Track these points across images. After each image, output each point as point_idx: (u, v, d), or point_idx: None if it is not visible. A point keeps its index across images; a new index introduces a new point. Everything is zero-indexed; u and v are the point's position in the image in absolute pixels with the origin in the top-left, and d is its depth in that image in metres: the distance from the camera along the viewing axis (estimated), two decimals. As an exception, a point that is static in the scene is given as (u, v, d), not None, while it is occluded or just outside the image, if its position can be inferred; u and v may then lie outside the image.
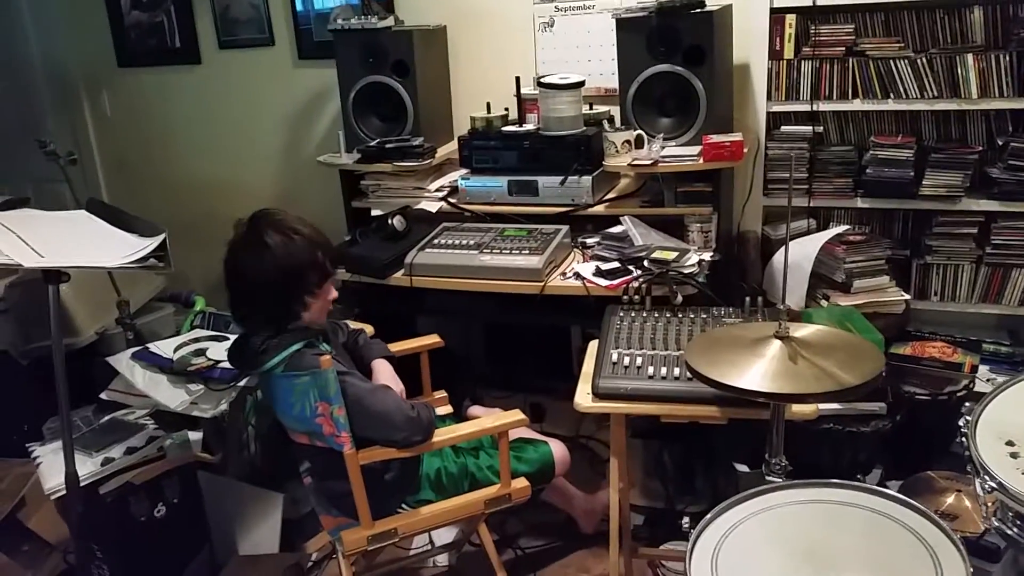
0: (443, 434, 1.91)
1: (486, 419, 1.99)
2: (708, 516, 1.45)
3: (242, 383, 2.20)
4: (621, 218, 2.61)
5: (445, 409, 2.45)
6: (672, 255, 2.37)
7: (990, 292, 2.85)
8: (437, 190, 2.97)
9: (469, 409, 2.46)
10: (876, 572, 1.27)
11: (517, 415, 1.99)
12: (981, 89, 2.65)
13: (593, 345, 2.24)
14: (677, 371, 1.97)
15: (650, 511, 2.65)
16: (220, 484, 2.27)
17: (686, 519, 2.68)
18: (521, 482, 2.04)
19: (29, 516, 2.28)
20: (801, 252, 2.58)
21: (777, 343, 1.67)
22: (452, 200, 2.94)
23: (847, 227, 2.62)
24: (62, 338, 1.67)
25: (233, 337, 2.37)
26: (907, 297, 2.52)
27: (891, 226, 3.00)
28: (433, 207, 2.93)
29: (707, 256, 2.47)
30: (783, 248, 2.71)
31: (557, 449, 2.21)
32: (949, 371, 2.38)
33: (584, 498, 2.56)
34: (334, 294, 1.98)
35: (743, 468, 2.56)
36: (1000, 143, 2.75)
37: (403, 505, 2.02)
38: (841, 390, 1.54)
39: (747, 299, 2.20)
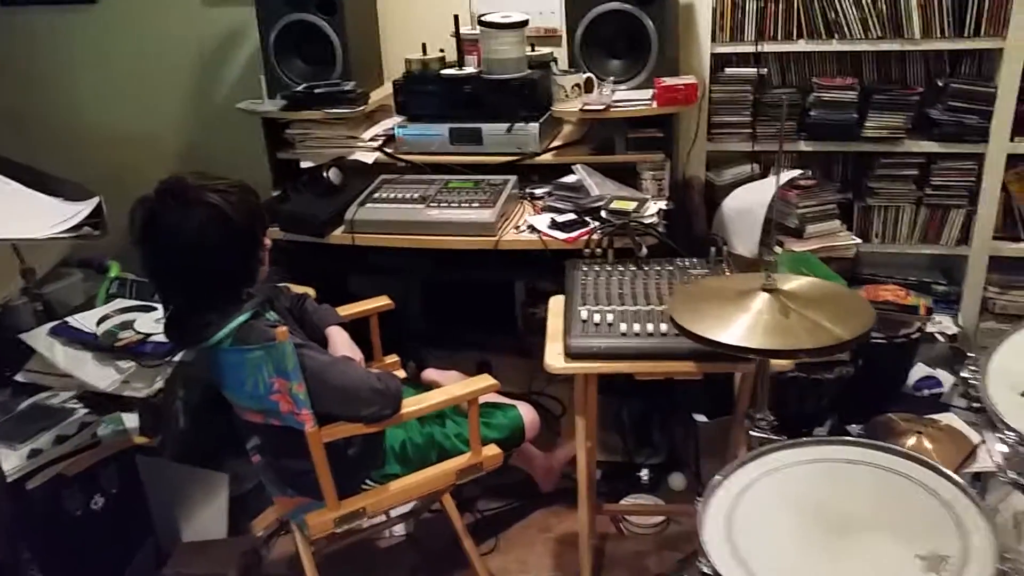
0: (411, 405, 1.78)
1: (455, 387, 1.87)
2: (715, 480, 1.38)
3: (177, 358, 2.00)
4: (573, 167, 2.50)
5: (399, 374, 2.32)
6: (631, 205, 2.28)
7: (929, 233, 2.90)
8: (372, 139, 2.78)
9: (424, 374, 2.34)
10: (894, 531, 1.23)
11: (487, 380, 1.88)
12: (923, 29, 2.64)
13: (556, 302, 2.14)
14: (651, 327, 1.89)
15: (608, 465, 2.61)
16: (160, 468, 2.07)
17: (644, 471, 2.67)
18: (492, 449, 1.95)
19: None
20: (754, 198, 2.54)
21: (764, 296, 1.61)
22: (388, 150, 2.76)
23: (800, 171, 2.59)
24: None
25: (161, 307, 2.17)
26: (858, 241, 2.52)
27: (831, 169, 3.00)
28: (369, 158, 2.74)
29: (662, 204, 2.39)
30: (732, 194, 2.68)
31: (526, 412, 2.12)
32: (905, 314, 2.39)
33: (543, 457, 2.49)
34: (268, 242, 1.81)
35: (702, 418, 2.54)
36: (940, 84, 2.76)
37: (368, 481, 1.89)
38: (835, 345, 1.49)
39: (712, 249, 2.14)
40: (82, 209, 1.49)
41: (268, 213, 2.47)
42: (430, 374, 2.32)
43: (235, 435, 2.05)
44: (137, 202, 1.66)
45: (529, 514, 2.56)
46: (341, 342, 1.96)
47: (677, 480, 2.62)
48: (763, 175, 2.94)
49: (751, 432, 1.71)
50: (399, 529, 2.48)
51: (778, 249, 2.49)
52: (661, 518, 2.47)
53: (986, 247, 2.83)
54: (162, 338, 2.01)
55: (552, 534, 2.48)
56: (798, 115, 2.84)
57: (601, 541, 2.44)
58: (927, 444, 2.20)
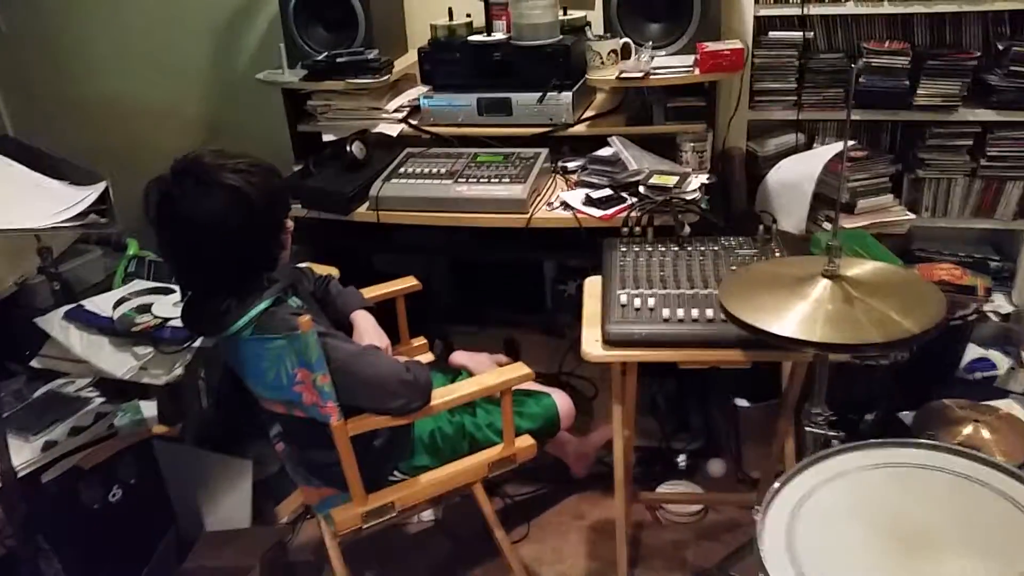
0: (442, 395, 1.68)
1: (487, 376, 1.76)
2: (772, 487, 1.27)
3: (197, 343, 1.91)
4: (609, 139, 2.37)
5: (426, 357, 2.24)
6: (672, 180, 2.15)
7: (983, 206, 2.74)
8: (396, 111, 2.67)
9: (452, 357, 2.24)
10: (977, 551, 1.12)
11: (521, 369, 1.78)
12: (982, -13, 2.47)
13: (591, 283, 2.03)
14: (695, 312, 1.78)
15: (643, 450, 2.51)
16: (181, 455, 2.00)
17: (682, 457, 2.57)
18: (525, 440, 1.85)
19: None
20: (802, 171, 2.40)
21: (825, 283, 1.49)
22: (413, 122, 2.64)
23: (852, 142, 2.44)
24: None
25: (177, 290, 2.08)
26: (912, 216, 2.37)
27: (879, 139, 2.83)
28: (393, 130, 2.63)
29: (704, 179, 2.26)
30: (778, 166, 2.54)
31: (561, 401, 2.02)
32: (963, 295, 2.26)
33: (576, 442, 2.40)
34: (290, 225, 1.70)
35: (743, 403, 2.43)
36: (1000, 47, 2.58)
37: (396, 472, 1.81)
38: (902, 339, 1.37)
39: (760, 227, 2.01)
40: (88, 195, 1.39)
41: (290, 189, 2.38)
42: (459, 358, 2.22)
43: (258, 418, 1.98)
44: (152, 182, 1.56)
45: (562, 500, 2.48)
46: (367, 328, 1.86)
47: (716, 466, 2.52)
48: (808, 145, 2.79)
49: (807, 428, 1.60)
50: (428, 515, 2.40)
51: (826, 225, 2.35)
52: (699, 507, 2.38)
53: (1045, 221, 2.67)
54: (181, 323, 1.92)
55: (586, 521, 2.40)
56: (845, 81, 2.67)
57: (637, 530, 2.35)
58: (985, 434, 2.08)
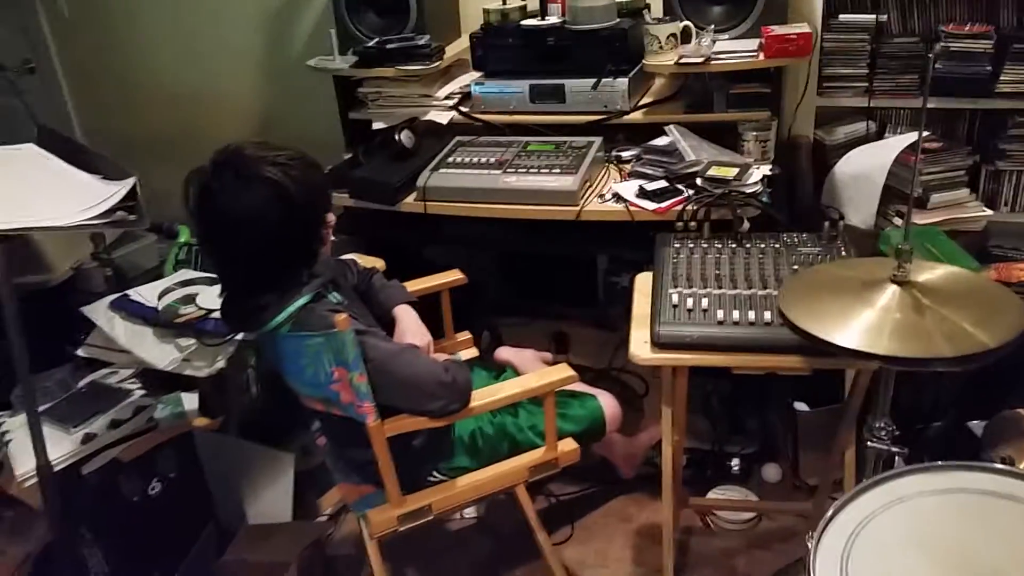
0: (482, 397, 1.62)
1: (530, 378, 1.70)
2: (827, 514, 1.18)
3: (239, 336, 1.89)
4: (666, 127, 2.26)
5: (470, 353, 2.18)
6: (732, 172, 2.04)
7: (1068, 202, 2.56)
8: (447, 98, 2.61)
9: (497, 352, 2.18)
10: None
11: (566, 371, 1.70)
12: (1079, -36, 2.28)
13: (642, 280, 1.94)
14: (752, 315, 1.68)
15: (695, 452, 2.42)
16: (222, 446, 1.99)
17: (735, 461, 2.47)
18: (569, 444, 1.78)
19: (9, 481, 2.00)
20: (871, 163, 2.26)
21: (894, 289, 1.38)
22: (464, 109, 2.57)
23: (926, 133, 2.29)
24: (16, 309, 1.36)
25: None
26: (989, 213, 2.22)
27: (956, 128, 2.65)
28: (443, 118, 2.57)
29: (766, 170, 2.14)
30: (847, 157, 2.40)
31: (607, 403, 1.95)
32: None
33: (624, 442, 2.32)
34: (332, 219, 1.66)
35: (802, 407, 2.31)
36: (1093, 30, 2.39)
37: (434, 473, 1.76)
38: (978, 354, 1.25)
39: (826, 223, 1.89)
40: (117, 191, 1.36)
41: (339, 178, 2.35)
42: (504, 353, 2.17)
43: (302, 411, 1.96)
44: (191, 173, 1.53)
45: (608, 501, 2.41)
46: (408, 325, 1.81)
47: (771, 472, 2.41)
48: (879, 134, 2.64)
49: (869, 443, 1.49)
50: (470, 512, 2.36)
51: (897, 220, 2.21)
52: (753, 514, 2.28)
53: None
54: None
55: (633, 524, 2.32)
56: (921, 67, 2.51)
57: (686, 536, 2.27)
58: (1067, 447, 1.92)
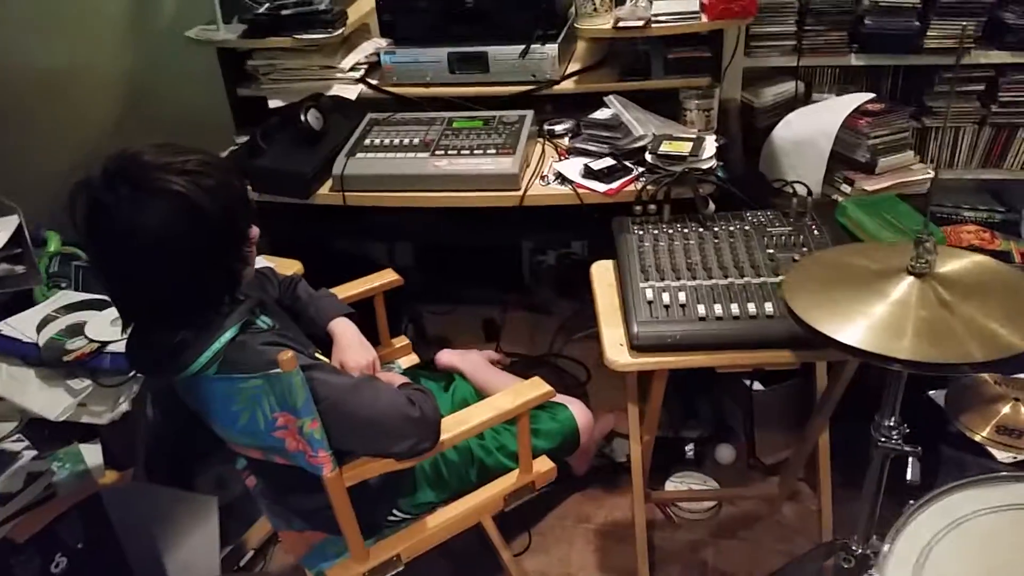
0: (451, 428, 1.40)
1: (501, 399, 1.48)
2: (884, 549, 1.05)
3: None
4: (605, 98, 2.08)
5: (410, 360, 1.96)
6: (686, 147, 1.88)
7: (991, 156, 2.57)
8: (352, 69, 2.32)
9: (438, 358, 1.97)
10: None
11: (541, 387, 1.51)
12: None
13: (601, 270, 1.77)
14: (735, 307, 1.54)
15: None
16: (132, 496, 1.67)
17: (690, 446, 2.37)
18: (544, 463, 1.60)
19: None
20: (815, 127, 2.15)
21: (910, 281, 1.26)
22: (373, 82, 2.30)
23: (869, 95, 2.20)
24: None
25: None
26: (932, 175, 2.16)
27: (880, 85, 2.61)
28: (351, 92, 2.28)
29: (713, 142, 2.00)
30: (786, 121, 2.28)
31: (579, 412, 1.77)
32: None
33: None
34: (255, 233, 1.36)
35: (757, 386, 2.22)
36: (1017, -19, 2.36)
37: (395, 512, 1.54)
38: (1010, 357, 1.14)
39: (794, 199, 1.77)
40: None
41: (238, 169, 2.03)
42: (447, 358, 1.96)
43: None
44: (77, 186, 1.21)
45: (562, 502, 2.25)
46: (350, 341, 1.57)
47: (725, 452, 2.32)
48: (807, 95, 2.55)
49: (879, 444, 1.38)
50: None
51: (846, 188, 2.12)
52: (714, 501, 2.18)
53: (1057, 170, 2.51)
54: (122, 347, 1.59)
55: (592, 524, 2.18)
56: (849, 24, 2.43)
57: (649, 531, 2.14)
58: (1026, 414, 1.91)
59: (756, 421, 2.25)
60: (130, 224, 1.18)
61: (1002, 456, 1.90)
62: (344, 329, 1.59)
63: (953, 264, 1.27)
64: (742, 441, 2.32)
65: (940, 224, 2.23)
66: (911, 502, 1.12)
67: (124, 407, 1.52)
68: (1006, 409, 1.93)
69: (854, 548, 1.50)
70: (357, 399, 1.30)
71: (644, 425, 1.80)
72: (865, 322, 1.22)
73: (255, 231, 1.33)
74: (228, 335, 1.27)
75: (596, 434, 2.25)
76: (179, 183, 1.18)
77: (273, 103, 2.29)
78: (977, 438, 1.85)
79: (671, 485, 2.23)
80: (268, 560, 2.09)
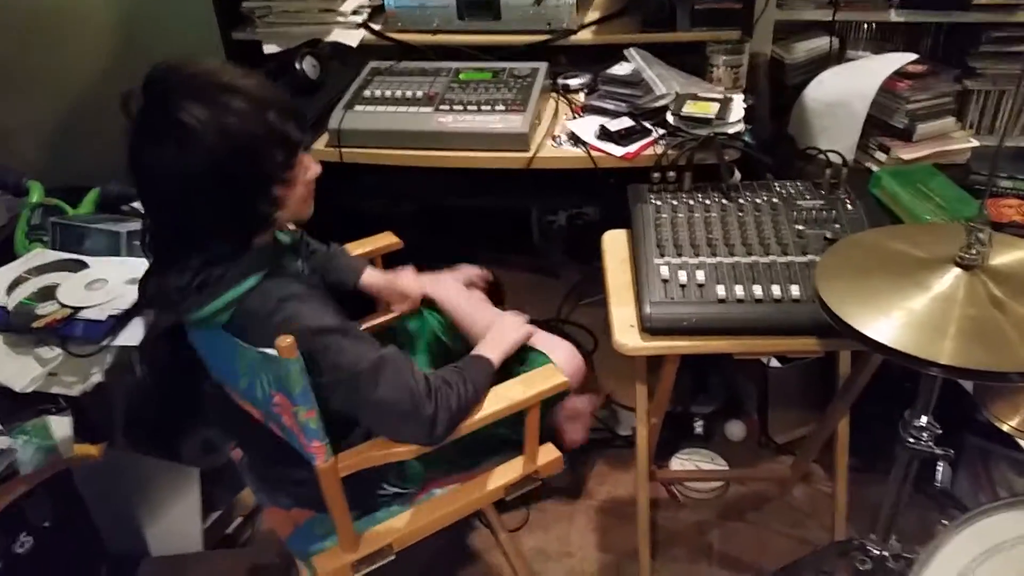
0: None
1: (512, 389, 1.35)
2: (915, 571, 0.95)
3: (121, 341, 1.48)
4: (626, 51, 1.92)
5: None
6: (712, 108, 1.73)
7: (1034, 122, 2.40)
8: (354, 13, 2.16)
9: (398, 280, 1.72)
10: None
11: (555, 377, 1.39)
12: None
13: (613, 240, 1.65)
14: (758, 289, 1.42)
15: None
16: (108, 467, 1.59)
17: (699, 421, 2.27)
18: (551, 452, 1.49)
19: None
20: (852, 88, 2.00)
21: (957, 274, 1.13)
22: (376, 27, 2.14)
23: (911, 55, 2.04)
24: None
25: (93, 263, 1.64)
26: (976, 144, 2.01)
27: (920, 44, 2.43)
28: (352, 39, 2.13)
29: (742, 103, 1.85)
30: (819, 80, 2.13)
31: (564, 358, 1.58)
32: (1039, 241, 1.92)
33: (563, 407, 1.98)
34: (315, 170, 1.29)
35: (774, 363, 2.11)
36: (1077, -67, 2.17)
37: (384, 486, 1.44)
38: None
39: (826, 169, 1.63)
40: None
41: (298, 121, 1.91)
42: (412, 283, 1.75)
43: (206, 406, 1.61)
44: (127, 93, 1.15)
45: (563, 476, 2.16)
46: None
47: (735, 429, 2.23)
48: (842, 52, 2.38)
49: (907, 443, 1.28)
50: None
51: (881, 156, 1.98)
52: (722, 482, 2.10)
53: (1104, 138, 2.34)
54: (98, 313, 1.49)
55: (594, 501, 2.10)
56: (891, -26, 2.25)
57: (653, 510, 2.05)
58: (1061, 404, 1.79)
59: (770, 399, 2.15)
60: (146, 145, 1.14)
61: (1033, 450, 1.80)
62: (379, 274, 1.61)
63: (1007, 256, 1.14)
64: (754, 418, 2.23)
65: (978, 196, 2.08)
66: (943, 523, 1.01)
67: (97, 378, 1.42)
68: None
69: (870, 548, 1.41)
70: (374, 377, 1.20)
71: (652, 407, 1.70)
72: (903, 318, 1.10)
73: (310, 168, 1.25)
74: (248, 283, 1.18)
75: (589, 404, 2.13)
76: (195, 117, 1.10)
77: (268, 48, 2.13)
78: (1005, 427, 1.74)
79: (677, 462, 2.14)
80: (256, 527, 2.02)
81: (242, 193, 1.18)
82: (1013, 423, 1.74)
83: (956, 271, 1.13)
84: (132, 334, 1.50)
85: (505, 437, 1.51)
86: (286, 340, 1.07)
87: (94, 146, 1.95)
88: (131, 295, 1.55)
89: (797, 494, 2.07)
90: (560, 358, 1.60)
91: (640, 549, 1.78)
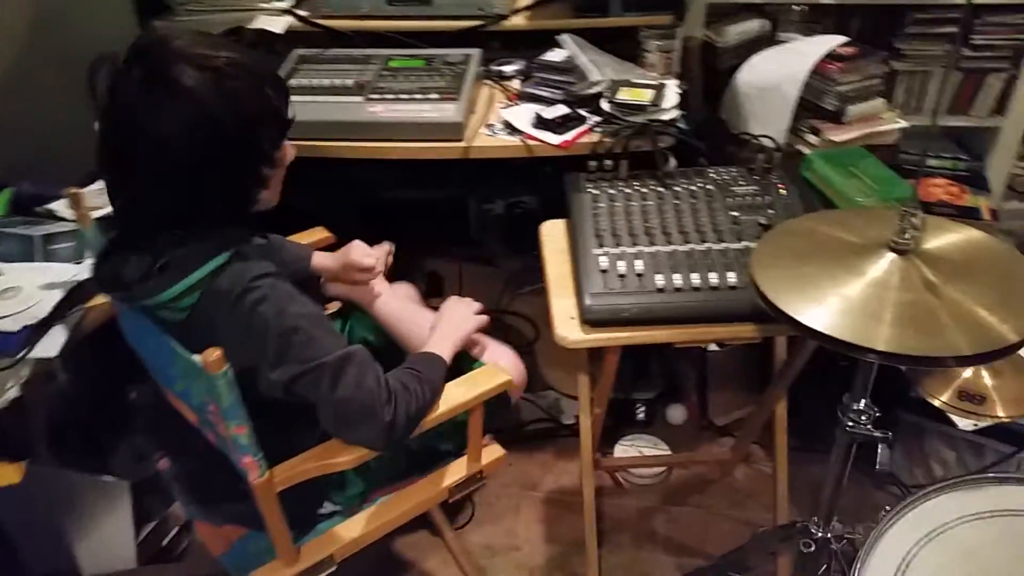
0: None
1: (453, 390, 1.30)
2: (858, 563, 0.95)
3: (39, 351, 1.40)
4: (559, 38, 1.90)
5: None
6: (646, 94, 1.72)
7: (959, 102, 2.46)
8: (279, -1, 2.09)
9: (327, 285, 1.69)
10: None
11: (498, 376, 1.36)
12: None
13: (552, 230, 1.63)
14: (695, 278, 1.42)
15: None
16: (29, 488, 1.49)
17: (640, 407, 2.28)
18: (494, 451, 1.47)
19: None
20: (782, 72, 2.00)
21: (892, 259, 1.14)
22: (303, 13, 2.07)
23: (842, 38, 2.05)
24: None
25: (5, 269, 1.55)
26: (905, 124, 2.04)
27: (846, 26, 2.47)
28: (278, 25, 2.06)
29: (676, 88, 1.84)
30: (749, 65, 2.13)
31: (512, 372, 1.53)
32: (965, 219, 1.97)
33: None
34: (292, 154, 1.25)
35: (712, 347, 2.12)
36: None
37: (326, 503, 1.40)
38: (999, 349, 1.04)
39: (759, 155, 1.64)
40: None
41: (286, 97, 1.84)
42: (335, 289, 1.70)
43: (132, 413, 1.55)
44: (100, 57, 1.09)
45: (507, 467, 2.15)
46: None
47: (676, 413, 2.24)
48: (772, 34, 2.39)
49: (847, 427, 1.29)
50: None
51: (812, 139, 1.99)
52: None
53: (1024, 118, 2.42)
54: (11, 324, 1.41)
55: (539, 492, 2.09)
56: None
57: (597, 498, 2.04)
58: (987, 380, 1.84)
59: (709, 382, 2.17)
60: (133, 113, 1.07)
61: (963, 424, 1.85)
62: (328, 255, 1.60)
63: (939, 239, 1.15)
64: (694, 402, 2.24)
65: (907, 176, 2.12)
66: (886, 508, 1.02)
67: (13, 392, 1.34)
68: (967, 373, 1.85)
69: (814, 531, 1.43)
70: (336, 373, 1.14)
71: (595, 398, 1.69)
72: (839, 304, 1.10)
73: (288, 152, 1.22)
74: (217, 261, 1.12)
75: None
76: (196, 80, 1.06)
77: (189, 36, 2.05)
78: (937, 403, 1.77)
79: (620, 449, 2.15)
80: (192, 536, 1.95)
81: (233, 168, 1.13)
82: (944, 398, 1.78)
83: (890, 256, 1.14)
84: (51, 344, 1.42)
85: (449, 451, 1.48)
86: (213, 354, 1.01)
87: (3, 143, 1.84)
88: (48, 302, 1.48)
89: (738, 475, 2.09)
90: (508, 365, 1.55)
91: (587, 541, 1.77)
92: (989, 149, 2.53)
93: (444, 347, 1.39)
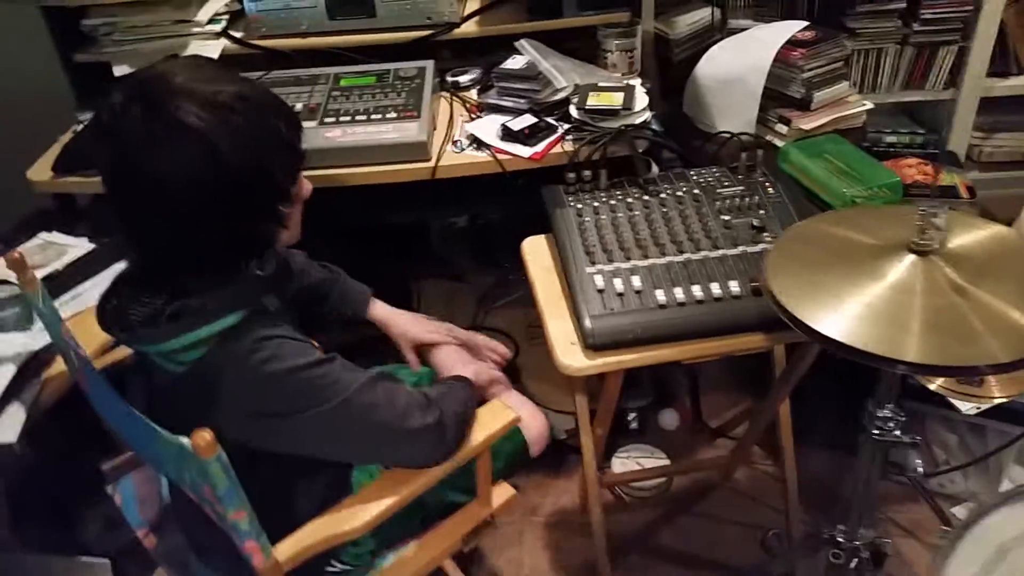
0: (408, 479, 1.15)
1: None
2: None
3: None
4: (517, 44, 1.81)
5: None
6: (617, 98, 1.64)
7: (913, 77, 2.45)
8: (211, 22, 1.95)
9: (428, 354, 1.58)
10: None
11: (505, 415, 1.26)
12: None
13: (534, 247, 1.55)
14: (697, 290, 1.35)
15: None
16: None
17: (632, 416, 2.21)
18: (505, 492, 1.38)
19: None
20: (744, 63, 1.95)
21: (914, 260, 1.08)
22: (238, 35, 1.95)
23: (801, 23, 2.01)
24: None
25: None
26: (870, 106, 2.01)
27: (795, 8, 2.43)
28: (213, 50, 1.93)
29: (642, 89, 1.77)
30: (708, 57, 2.07)
31: (532, 426, 1.46)
32: (944, 199, 1.94)
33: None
34: (308, 187, 1.18)
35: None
36: None
37: (334, 563, 1.30)
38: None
39: (743, 153, 1.57)
40: None
41: (82, 156, 1.70)
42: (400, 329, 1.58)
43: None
44: (105, 96, 1.01)
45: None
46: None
47: (669, 418, 2.18)
48: (723, 24, 2.34)
49: (873, 435, 1.23)
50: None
51: (782, 128, 1.94)
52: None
53: (978, 88, 2.42)
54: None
55: (540, 517, 2.00)
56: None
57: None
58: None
59: (701, 385, 2.11)
60: (134, 155, 0.99)
61: (965, 407, 1.82)
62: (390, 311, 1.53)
63: (966, 239, 1.10)
64: (686, 405, 2.18)
65: (880, 159, 2.09)
66: (944, 529, 0.96)
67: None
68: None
69: (841, 541, 1.37)
70: (369, 397, 1.09)
71: (597, 418, 1.61)
72: (862, 313, 1.04)
73: (305, 187, 1.14)
74: (229, 320, 1.03)
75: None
76: (199, 117, 0.97)
77: (119, 70, 1.90)
78: (932, 387, 1.74)
79: (617, 461, 2.08)
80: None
81: (245, 209, 1.04)
82: (939, 381, 1.75)
83: (911, 257, 1.08)
84: (9, 426, 1.28)
85: (458, 502, 1.39)
86: (205, 437, 0.90)
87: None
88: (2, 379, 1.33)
89: (739, 477, 2.04)
90: (529, 424, 1.47)
91: (599, 562, 1.70)
92: (945, 123, 2.52)
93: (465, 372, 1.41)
